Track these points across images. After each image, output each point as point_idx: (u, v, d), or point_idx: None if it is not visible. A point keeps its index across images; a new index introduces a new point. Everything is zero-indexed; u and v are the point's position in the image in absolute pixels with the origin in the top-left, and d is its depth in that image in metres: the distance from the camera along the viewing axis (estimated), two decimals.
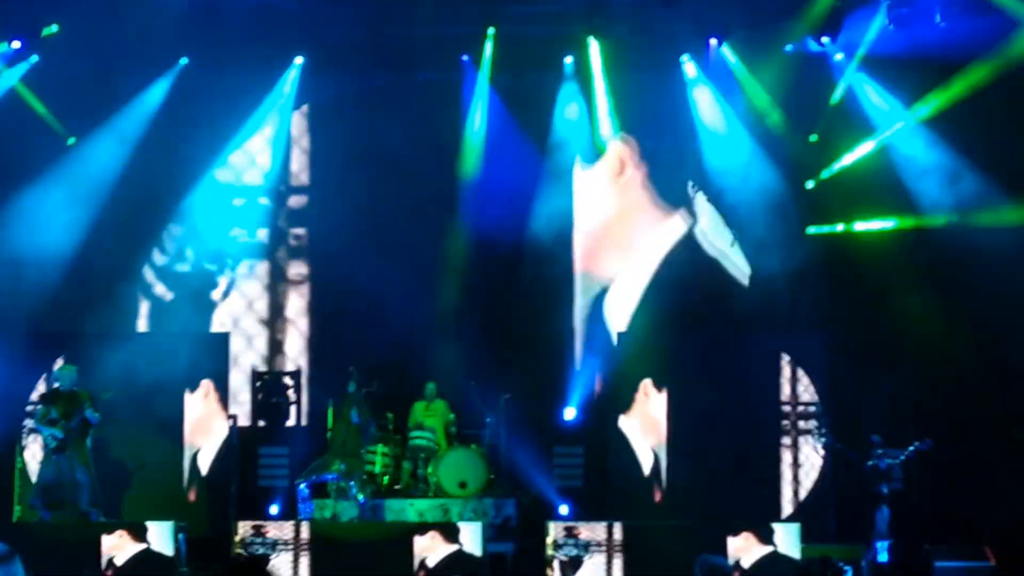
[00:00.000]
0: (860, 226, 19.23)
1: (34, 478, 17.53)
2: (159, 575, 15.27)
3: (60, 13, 17.97)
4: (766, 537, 14.82)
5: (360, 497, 17.42)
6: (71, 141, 19.07)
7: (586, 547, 15.46)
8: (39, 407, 17.29)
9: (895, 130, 18.82)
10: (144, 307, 19.76)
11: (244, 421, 18.96)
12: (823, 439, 18.23)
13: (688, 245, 20.03)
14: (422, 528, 15.34)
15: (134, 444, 17.98)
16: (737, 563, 14.50)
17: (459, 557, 15.02)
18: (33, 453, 17.99)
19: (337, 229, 19.77)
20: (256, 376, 19.15)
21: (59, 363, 17.55)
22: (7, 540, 14.02)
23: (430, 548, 15.00)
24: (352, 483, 17.52)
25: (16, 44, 18.05)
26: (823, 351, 18.52)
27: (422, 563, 14.88)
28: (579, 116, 19.78)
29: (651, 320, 19.91)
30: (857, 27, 18.36)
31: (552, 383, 19.41)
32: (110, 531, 15.38)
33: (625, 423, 18.73)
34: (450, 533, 15.10)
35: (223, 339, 19.09)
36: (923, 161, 18.69)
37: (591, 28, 18.54)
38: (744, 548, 14.76)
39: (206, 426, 18.38)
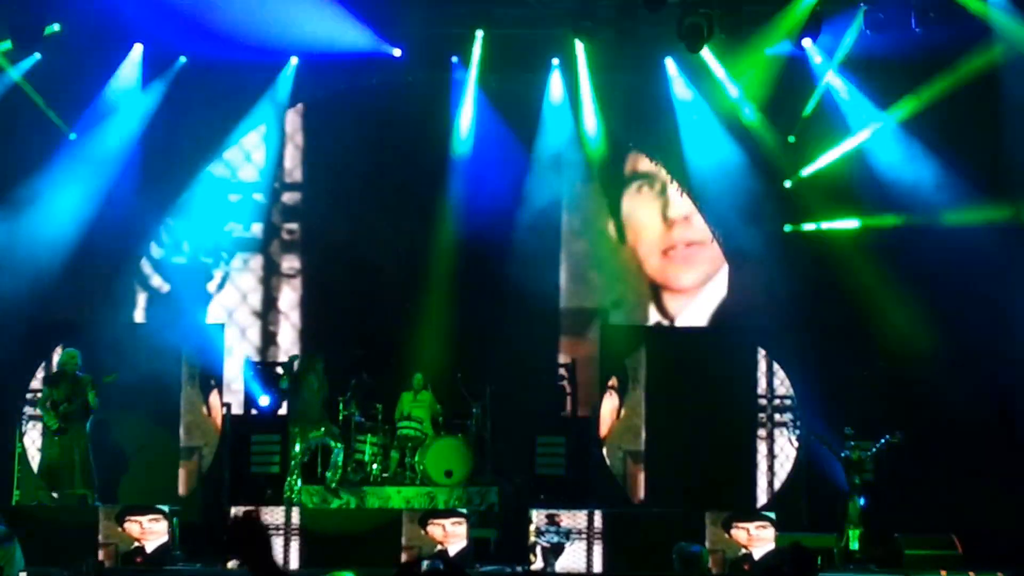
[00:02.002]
0: (837, 224, 19.34)
1: (34, 463, 17.84)
2: (154, 559, 15.65)
3: (60, 12, 18.06)
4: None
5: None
6: (72, 136, 19.31)
7: (567, 534, 15.78)
8: (43, 389, 17.47)
9: (872, 131, 18.96)
10: (141, 298, 20.01)
11: (237, 409, 19.26)
12: (798, 431, 18.62)
13: None
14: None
15: (131, 431, 18.25)
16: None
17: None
18: (32, 439, 18.27)
19: (329, 224, 20.03)
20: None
21: (59, 351, 17.77)
22: (5, 523, 14.46)
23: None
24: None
25: (16, 43, 18.14)
26: (799, 346, 18.75)
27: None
28: (565, 116, 19.95)
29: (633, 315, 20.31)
30: (836, 30, 18.57)
31: (537, 374, 19.77)
32: (107, 515, 15.78)
33: (605, 414, 19.15)
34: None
35: (218, 330, 19.40)
36: (899, 162, 18.80)
37: (577, 30, 18.76)
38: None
39: None
